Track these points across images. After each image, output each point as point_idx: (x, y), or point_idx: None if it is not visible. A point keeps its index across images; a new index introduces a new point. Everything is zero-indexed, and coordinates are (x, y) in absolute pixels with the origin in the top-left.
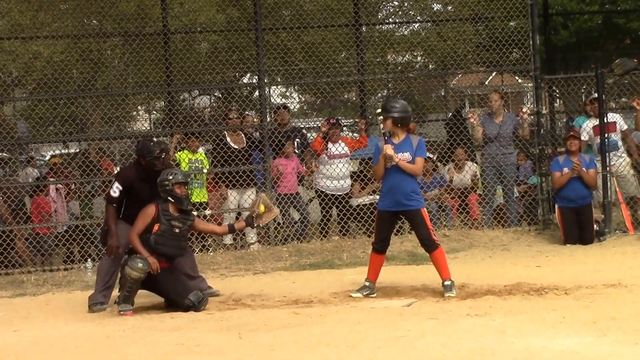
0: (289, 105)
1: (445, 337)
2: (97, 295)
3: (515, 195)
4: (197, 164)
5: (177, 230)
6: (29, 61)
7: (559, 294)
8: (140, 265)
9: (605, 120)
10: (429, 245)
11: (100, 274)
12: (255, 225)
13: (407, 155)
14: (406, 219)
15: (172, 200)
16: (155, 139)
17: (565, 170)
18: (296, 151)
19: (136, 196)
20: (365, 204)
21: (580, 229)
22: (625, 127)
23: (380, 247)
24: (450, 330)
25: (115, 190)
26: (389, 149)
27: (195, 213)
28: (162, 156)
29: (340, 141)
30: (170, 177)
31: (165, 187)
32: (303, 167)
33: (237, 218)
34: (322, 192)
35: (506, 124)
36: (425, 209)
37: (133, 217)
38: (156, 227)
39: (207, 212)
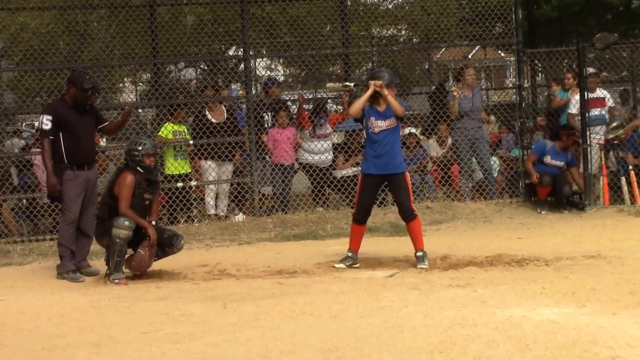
0: (276, 78)
1: (427, 307)
2: (68, 263)
3: (497, 168)
4: (181, 135)
5: (147, 203)
6: (15, 32)
7: (540, 265)
8: (127, 223)
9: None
10: (408, 214)
11: (62, 240)
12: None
13: (393, 120)
14: (389, 184)
15: (141, 171)
16: (91, 75)
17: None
18: (289, 121)
19: (71, 129)
20: (349, 176)
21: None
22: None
23: (362, 217)
24: (432, 301)
25: (46, 122)
26: (379, 82)
27: (180, 184)
28: (90, 93)
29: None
30: (140, 148)
31: (134, 157)
32: (297, 137)
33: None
34: (305, 165)
35: (476, 98)
36: (408, 174)
37: (75, 155)
38: None
39: (193, 183)
